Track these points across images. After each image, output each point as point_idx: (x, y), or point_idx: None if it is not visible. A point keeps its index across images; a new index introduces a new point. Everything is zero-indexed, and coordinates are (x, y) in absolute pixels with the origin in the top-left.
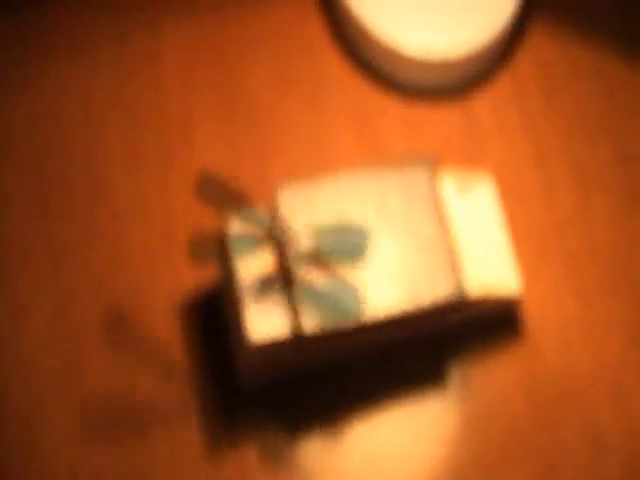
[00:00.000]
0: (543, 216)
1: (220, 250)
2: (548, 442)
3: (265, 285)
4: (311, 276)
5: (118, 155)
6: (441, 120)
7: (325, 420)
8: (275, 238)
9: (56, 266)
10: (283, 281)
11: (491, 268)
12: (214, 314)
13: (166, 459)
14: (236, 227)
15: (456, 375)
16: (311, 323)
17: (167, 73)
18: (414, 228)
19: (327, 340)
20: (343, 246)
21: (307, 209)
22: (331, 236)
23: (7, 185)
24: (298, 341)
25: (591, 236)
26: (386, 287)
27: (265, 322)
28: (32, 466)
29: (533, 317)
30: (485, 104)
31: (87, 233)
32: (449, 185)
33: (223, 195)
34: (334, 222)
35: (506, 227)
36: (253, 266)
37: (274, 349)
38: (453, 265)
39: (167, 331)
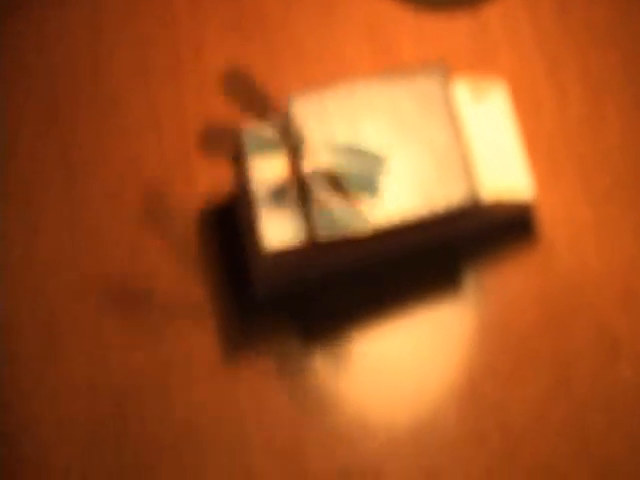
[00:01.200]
0: (555, 124)
1: (235, 157)
2: (561, 347)
3: (279, 193)
4: (323, 193)
5: (128, 71)
6: (453, 30)
7: (338, 326)
8: (289, 146)
9: (70, 180)
10: (297, 189)
11: (504, 174)
12: (229, 222)
13: (182, 363)
14: (252, 133)
15: (471, 281)
16: (324, 230)
17: None
18: (428, 135)
19: (341, 247)
20: (359, 171)
21: (320, 117)
22: (347, 159)
23: (20, 105)
24: (312, 248)
25: (602, 143)
26: (401, 193)
27: (279, 230)
28: (50, 372)
29: (546, 223)
30: (496, 14)
31: (100, 147)
32: (462, 93)
33: (249, 93)
34: (350, 143)
35: (519, 134)
36: (268, 174)
37: (288, 256)
38: (467, 171)
39: (183, 239)
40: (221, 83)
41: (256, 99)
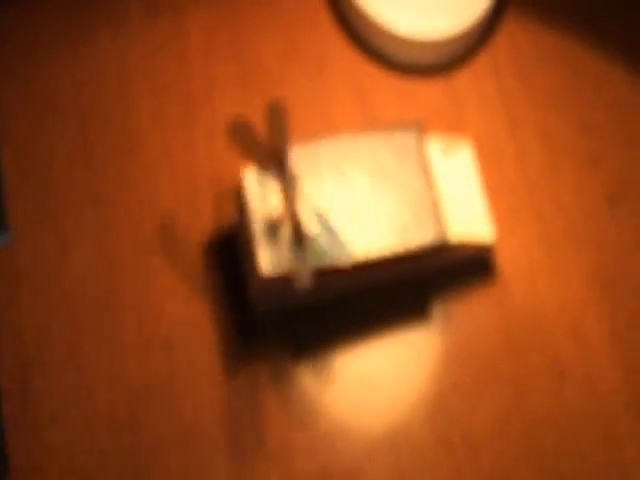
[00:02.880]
0: (515, 177)
1: (238, 195)
2: (517, 371)
3: (275, 227)
4: (312, 228)
5: (148, 116)
6: (428, 93)
7: (324, 346)
8: (285, 187)
9: (95, 208)
10: (291, 225)
11: (469, 218)
12: (231, 250)
13: (187, 372)
14: (253, 175)
15: (438, 311)
16: (312, 261)
17: (192, 46)
18: (404, 183)
19: (327, 275)
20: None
21: (312, 164)
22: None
23: (54, 140)
24: None
25: (557, 195)
26: (380, 232)
27: (275, 258)
28: (70, 380)
29: (505, 263)
30: (466, 79)
31: (122, 181)
32: (434, 147)
33: (249, 141)
34: (334, 194)
35: (482, 185)
36: (266, 211)
37: (281, 281)
38: (437, 215)
39: (191, 264)
40: (227, 131)
41: (255, 147)
